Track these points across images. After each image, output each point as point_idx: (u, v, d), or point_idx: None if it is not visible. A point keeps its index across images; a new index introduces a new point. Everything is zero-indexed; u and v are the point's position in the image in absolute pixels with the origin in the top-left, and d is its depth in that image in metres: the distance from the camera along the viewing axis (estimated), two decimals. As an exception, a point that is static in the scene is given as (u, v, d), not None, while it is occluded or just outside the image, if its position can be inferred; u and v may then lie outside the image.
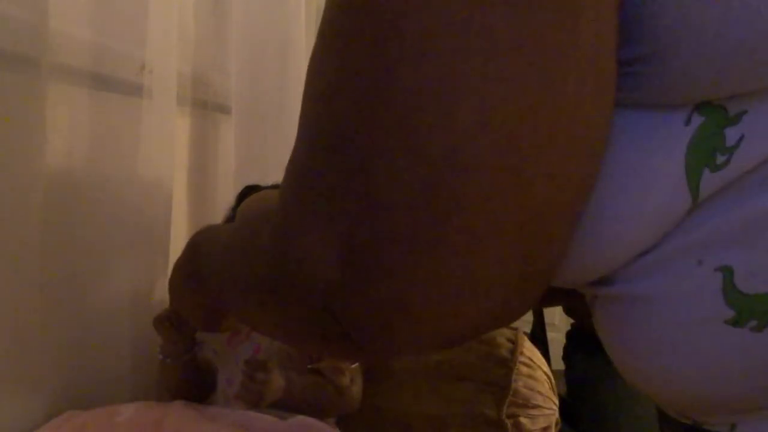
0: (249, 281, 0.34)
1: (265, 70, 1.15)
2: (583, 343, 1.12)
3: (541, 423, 0.93)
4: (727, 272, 0.27)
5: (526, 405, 0.92)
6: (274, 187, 0.93)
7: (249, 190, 0.93)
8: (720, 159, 0.26)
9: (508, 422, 0.89)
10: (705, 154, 0.27)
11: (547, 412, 0.94)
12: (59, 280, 0.75)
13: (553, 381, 0.98)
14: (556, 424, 0.96)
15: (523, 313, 0.31)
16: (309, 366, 0.80)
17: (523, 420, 0.91)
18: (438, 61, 0.24)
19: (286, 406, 0.74)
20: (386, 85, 0.25)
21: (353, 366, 0.82)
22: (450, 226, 0.25)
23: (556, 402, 0.97)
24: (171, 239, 0.92)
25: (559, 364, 1.15)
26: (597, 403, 1.08)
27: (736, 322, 0.26)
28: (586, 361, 1.09)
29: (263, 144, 1.15)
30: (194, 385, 0.80)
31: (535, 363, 0.95)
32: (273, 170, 1.14)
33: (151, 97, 0.87)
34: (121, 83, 0.85)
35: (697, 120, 0.27)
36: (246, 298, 0.36)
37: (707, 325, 0.27)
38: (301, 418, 0.71)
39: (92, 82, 0.80)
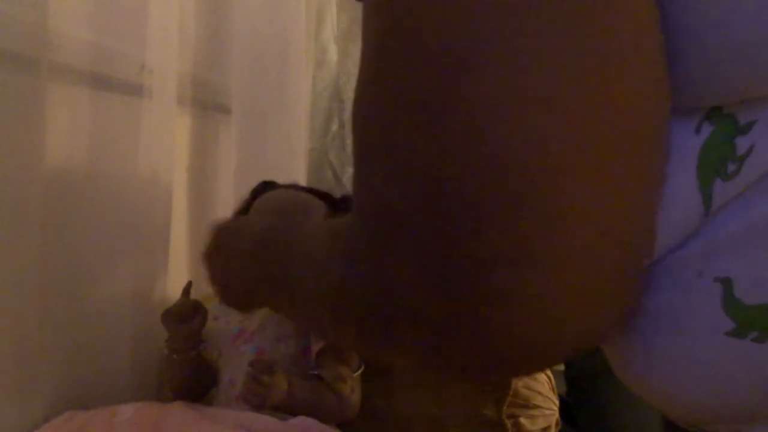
0: (334, 308, 0.33)
1: (265, 70, 1.15)
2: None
3: (541, 423, 0.93)
4: (727, 283, 0.26)
5: (526, 405, 0.92)
6: (290, 187, 0.93)
7: (265, 186, 0.93)
8: (731, 168, 0.26)
9: (508, 422, 0.89)
10: (716, 163, 0.27)
11: (546, 412, 0.94)
12: (59, 281, 0.75)
13: (553, 381, 0.98)
14: (556, 425, 0.96)
15: (628, 316, 0.29)
16: (311, 372, 0.81)
17: (522, 420, 0.91)
18: (497, 72, 0.23)
19: (287, 410, 0.74)
20: (451, 105, 0.24)
21: (355, 375, 0.82)
22: (538, 241, 0.23)
23: (556, 402, 0.97)
24: (171, 239, 0.92)
25: (559, 364, 1.15)
26: (597, 402, 1.08)
27: (737, 334, 0.26)
28: (585, 361, 1.09)
29: (263, 144, 1.15)
30: (197, 382, 0.80)
31: (534, 363, 0.95)
32: (273, 170, 1.14)
33: (151, 97, 0.87)
34: (121, 83, 0.85)
35: (708, 129, 0.27)
36: (335, 324, 0.35)
37: (708, 337, 0.27)
38: (301, 419, 0.71)
39: (92, 82, 0.80)
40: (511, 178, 0.23)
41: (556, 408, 0.96)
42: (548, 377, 0.98)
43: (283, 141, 1.21)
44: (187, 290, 0.82)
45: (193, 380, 0.80)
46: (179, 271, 0.97)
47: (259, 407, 0.73)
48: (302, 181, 1.26)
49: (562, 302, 0.24)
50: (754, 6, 0.24)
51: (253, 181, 0.98)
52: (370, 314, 0.29)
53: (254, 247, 0.45)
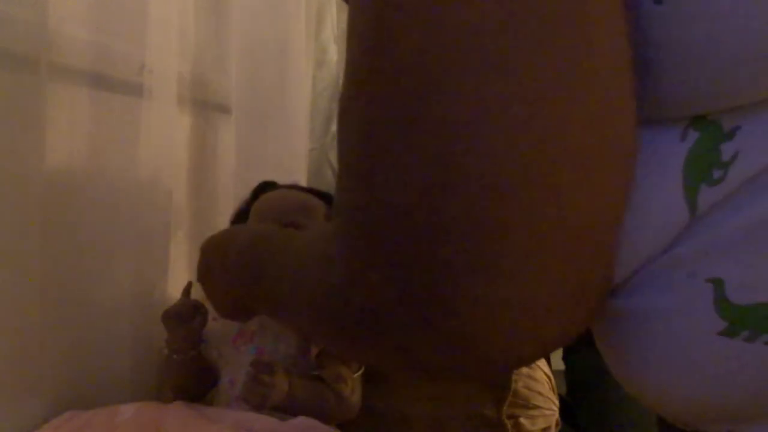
0: (319, 318, 0.34)
1: (265, 70, 1.15)
2: (583, 343, 1.12)
3: (541, 424, 0.93)
4: (718, 284, 0.27)
5: (526, 406, 0.92)
6: (291, 187, 0.93)
7: (266, 186, 0.93)
8: (717, 174, 0.27)
9: (508, 423, 0.89)
10: (702, 169, 0.27)
11: (547, 412, 0.94)
12: (59, 280, 0.75)
13: (553, 381, 0.98)
14: (556, 425, 0.96)
15: (587, 323, 0.30)
16: (312, 372, 0.81)
17: (522, 421, 0.91)
18: (460, 89, 0.24)
19: (287, 410, 0.74)
20: (417, 118, 0.25)
21: (355, 375, 0.83)
22: (500, 251, 0.25)
23: (556, 402, 0.97)
24: (171, 239, 0.92)
25: (559, 364, 1.15)
26: (597, 402, 1.08)
27: (729, 333, 0.27)
28: (585, 361, 1.09)
29: (263, 144, 1.15)
30: (197, 382, 0.80)
31: (535, 363, 0.95)
32: (273, 170, 1.14)
33: (151, 97, 0.87)
34: (121, 83, 0.85)
35: (693, 135, 0.27)
36: (315, 327, 0.36)
37: (701, 337, 0.27)
38: (301, 419, 0.71)
39: (92, 82, 0.80)
40: (469, 192, 0.24)
41: (556, 408, 0.96)
42: (548, 377, 0.98)
43: (283, 141, 1.21)
44: (187, 290, 0.82)
45: (193, 380, 0.80)
46: (179, 271, 0.97)
47: (259, 407, 0.73)
48: (302, 181, 1.26)
49: (516, 310, 0.26)
50: (736, 22, 0.24)
51: (253, 181, 0.98)
52: (344, 318, 0.31)
53: (238, 259, 0.46)
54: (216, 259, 0.55)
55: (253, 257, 0.45)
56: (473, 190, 0.24)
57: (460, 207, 0.24)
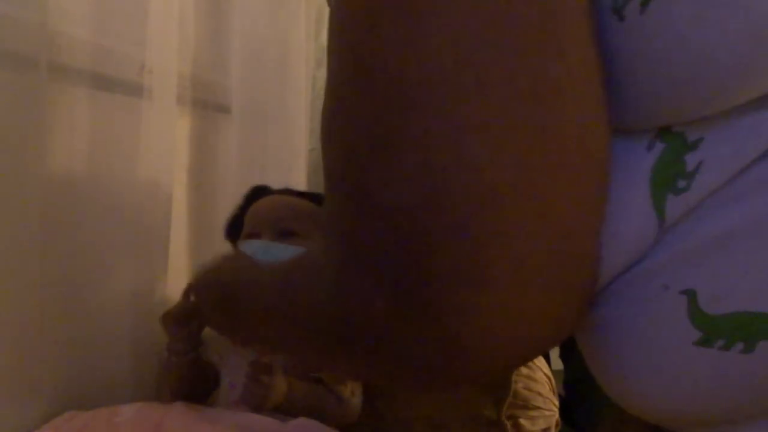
0: (309, 334, 0.34)
1: (265, 70, 1.15)
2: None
3: (541, 424, 0.93)
4: (691, 295, 0.27)
5: (526, 406, 0.92)
6: (284, 191, 0.93)
7: (258, 191, 0.93)
8: (681, 184, 0.28)
9: (508, 423, 0.89)
10: (667, 179, 0.28)
11: (546, 413, 0.94)
12: (59, 280, 0.75)
13: (553, 382, 0.98)
14: (556, 425, 0.96)
15: (573, 328, 0.31)
16: (312, 374, 0.81)
17: (522, 421, 0.91)
18: (439, 105, 0.25)
19: (287, 412, 0.74)
20: (398, 134, 0.26)
21: None
22: (486, 260, 0.25)
23: (556, 403, 0.97)
24: (171, 239, 0.92)
25: (559, 365, 1.15)
26: (595, 401, 1.08)
27: (704, 343, 0.27)
28: (584, 360, 1.09)
29: (263, 144, 1.15)
30: (196, 384, 0.80)
31: (534, 364, 0.95)
32: (273, 170, 1.14)
33: (151, 97, 0.87)
34: (121, 83, 0.85)
35: (659, 146, 0.28)
36: (302, 346, 0.37)
37: (677, 347, 0.28)
38: (301, 420, 0.71)
39: (92, 82, 0.80)
40: (453, 204, 0.25)
41: (556, 409, 0.96)
42: (548, 378, 0.98)
43: (283, 141, 1.21)
44: (187, 293, 0.82)
45: (192, 382, 0.80)
46: (179, 271, 0.97)
47: (258, 408, 0.73)
48: (302, 181, 1.26)
49: (505, 316, 0.26)
50: (693, 39, 0.25)
51: (253, 181, 0.98)
52: (334, 333, 0.31)
53: (270, 299, 0.47)
54: (207, 299, 0.55)
55: (233, 291, 0.45)
56: (457, 202, 0.25)
57: (444, 219, 0.25)
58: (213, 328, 0.59)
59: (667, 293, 0.28)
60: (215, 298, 0.50)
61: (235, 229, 0.91)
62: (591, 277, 0.29)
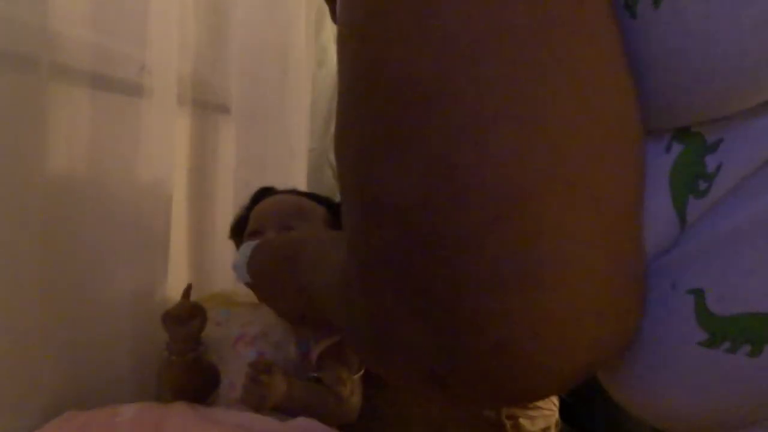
0: (356, 338, 0.33)
1: (265, 70, 1.15)
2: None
3: (541, 424, 0.93)
4: (698, 295, 0.27)
5: (526, 406, 0.92)
6: (290, 192, 0.94)
7: (264, 191, 0.94)
8: (703, 185, 0.27)
9: (508, 423, 0.89)
10: (688, 180, 0.27)
11: (546, 413, 0.94)
12: (59, 280, 0.75)
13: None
14: (556, 425, 0.96)
15: (639, 317, 0.28)
16: (311, 374, 0.81)
17: (522, 421, 0.91)
18: (458, 96, 0.23)
19: (287, 412, 0.74)
20: (417, 132, 0.24)
21: (355, 377, 0.83)
22: (531, 261, 0.23)
23: (556, 403, 0.97)
24: (171, 239, 0.92)
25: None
26: (597, 402, 1.08)
27: (710, 344, 0.27)
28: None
29: (263, 144, 1.15)
30: (196, 384, 0.80)
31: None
32: (273, 170, 1.14)
33: (151, 97, 0.87)
34: (121, 83, 0.85)
35: (677, 148, 0.28)
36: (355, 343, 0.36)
37: (682, 348, 0.28)
38: (301, 420, 0.71)
39: (92, 82, 0.80)
40: (480, 203, 0.23)
41: (555, 408, 0.96)
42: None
43: (283, 141, 1.21)
44: (187, 293, 0.82)
45: (192, 382, 0.80)
46: (179, 271, 0.97)
47: (258, 408, 0.73)
48: (302, 181, 1.26)
49: (563, 320, 0.24)
50: (705, 37, 0.24)
51: (253, 181, 0.98)
52: (371, 340, 0.30)
53: (304, 273, 0.47)
54: (284, 269, 0.54)
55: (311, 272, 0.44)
56: (489, 200, 0.23)
57: (468, 222, 0.23)
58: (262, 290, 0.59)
59: (674, 292, 0.28)
60: (277, 254, 0.49)
61: (239, 230, 0.91)
62: (642, 265, 0.28)
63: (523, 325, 0.24)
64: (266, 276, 0.54)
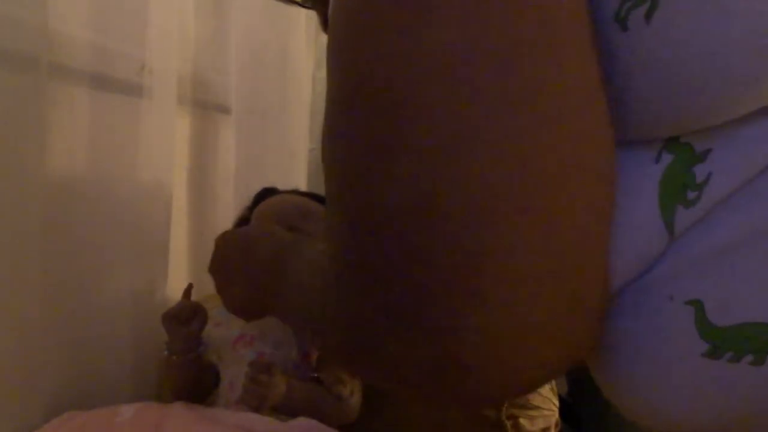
0: (327, 337, 0.35)
1: (265, 71, 1.15)
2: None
3: (541, 424, 0.93)
4: (698, 305, 0.27)
5: (526, 406, 0.92)
6: (291, 192, 0.94)
7: (267, 192, 0.94)
8: (691, 195, 0.27)
9: (508, 423, 0.89)
10: (677, 190, 0.27)
11: (546, 413, 0.94)
12: (59, 280, 0.75)
13: (553, 382, 0.98)
14: (556, 425, 0.96)
15: (589, 343, 0.30)
16: (311, 374, 0.81)
17: (522, 421, 0.91)
18: (432, 112, 0.24)
19: (287, 412, 0.74)
20: (394, 147, 0.25)
21: (355, 377, 0.83)
22: (484, 278, 0.24)
23: (556, 403, 0.97)
24: (171, 239, 0.92)
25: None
26: (597, 403, 1.08)
27: (712, 355, 0.27)
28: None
29: (263, 144, 1.15)
30: (196, 384, 0.80)
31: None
32: (272, 170, 1.14)
33: (151, 97, 0.87)
34: (121, 83, 0.85)
35: (667, 157, 0.28)
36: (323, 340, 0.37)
37: (685, 360, 0.27)
38: (302, 420, 0.71)
39: (92, 82, 0.80)
40: (448, 219, 0.24)
41: (555, 408, 0.96)
42: (548, 378, 0.97)
43: (283, 141, 1.21)
44: (187, 292, 0.82)
45: (192, 382, 0.80)
46: (179, 271, 0.97)
47: (258, 408, 0.73)
48: (302, 181, 1.26)
49: (510, 336, 0.25)
50: (696, 48, 0.25)
51: (253, 181, 0.98)
52: (345, 341, 0.31)
53: (261, 266, 0.47)
54: (238, 259, 0.55)
55: (275, 267, 0.45)
56: (452, 216, 0.24)
57: (438, 234, 0.24)
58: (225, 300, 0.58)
59: (672, 304, 0.27)
60: (257, 271, 0.49)
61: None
62: (600, 292, 0.28)
63: (469, 340, 0.25)
64: (248, 262, 0.55)
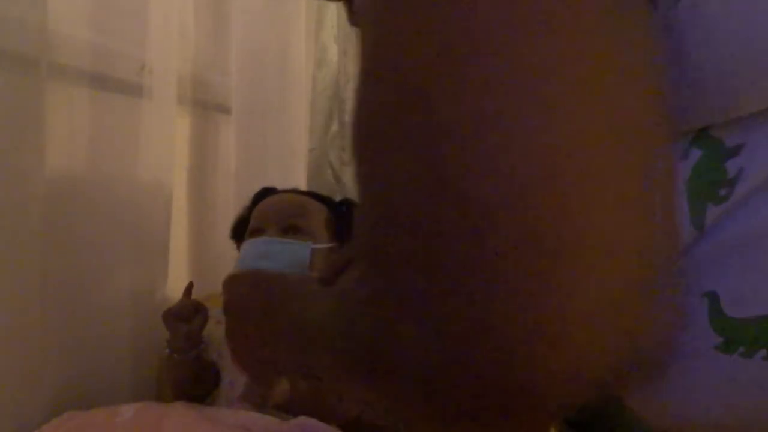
0: (356, 374, 0.32)
1: (265, 70, 1.15)
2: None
3: (541, 423, 0.93)
4: (713, 298, 0.26)
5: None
6: (291, 191, 0.94)
7: (266, 192, 0.94)
8: (722, 192, 0.26)
9: None
10: (707, 189, 0.26)
11: (547, 412, 0.94)
12: (59, 280, 0.75)
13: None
14: (556, 425, 0.95)
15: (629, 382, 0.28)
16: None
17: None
18: (459, 101, 0.22)
19: (288, 410, 0.74)
20: (429, 136, 0.22)
21: None
22: (538, 316, 0.22)
23: (556, 402, 0.97)
24: (171, 239, 0.92)
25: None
26: (597, 402, 1.08)
27: (725, 349, 0.26)
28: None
29: (263, 144, 1.15)
30: (197, 382, 0.80)
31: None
32: (273, 170, 1.14)
33: (151, 97, 0.87)
34: (121, 83, 0.85)
35: (695, 153, 0.27)
36: (348, 375, 0.34)
37: (698, 354, 0.27)
38: (302, 419, 0.71)
39: (92, 82, 0.80)
40: (482, 214, 0.21)
41: (556, 408, 0.96)
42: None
43: (283, 141, 1.21)
44: (188, 291, 0.82)
45: (193, 380, 0.80)
46: (179, 270, 0.97)
47: (259, 407, 0.73)
48: (302, 181, 1.26)
49: (551, 381, 0.23)
50: (726, 34, 0.24)
51: (253, 181, 0.98)
52: (374, 365, 0.28)
53: (286, 329, 0.45)
54: (262, 326, 0.49)
55: (298, 326, 0.42)
56: (484, 214, 0.21)
57: (464, 227, 0.21)
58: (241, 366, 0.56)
59: (688, 296, 0.27)
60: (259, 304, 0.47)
61: (240, 230, 0.91)
62: (670, 271, 0.26)
63: (523, 378, 0.23)
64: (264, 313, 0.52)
